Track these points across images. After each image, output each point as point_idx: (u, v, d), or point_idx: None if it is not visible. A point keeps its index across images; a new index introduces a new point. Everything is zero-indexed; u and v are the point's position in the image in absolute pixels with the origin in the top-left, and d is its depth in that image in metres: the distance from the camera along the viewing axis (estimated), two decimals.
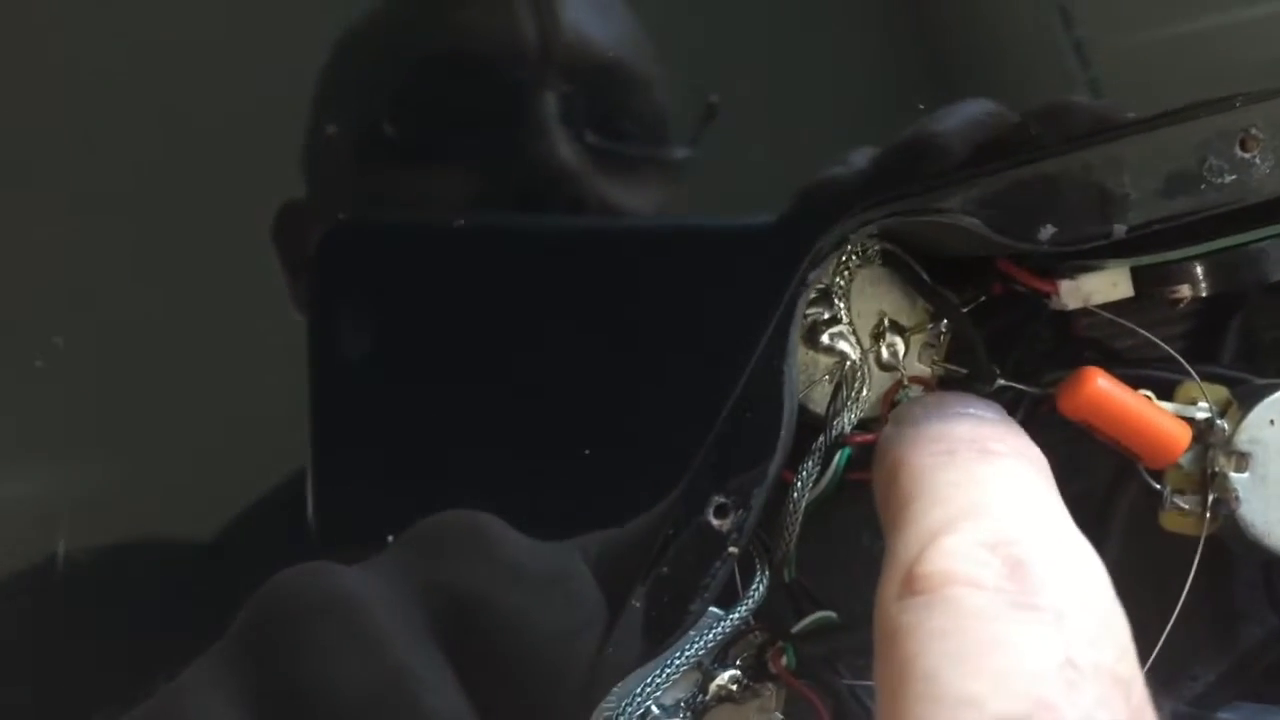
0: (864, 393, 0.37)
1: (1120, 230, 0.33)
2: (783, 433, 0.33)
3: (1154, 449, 0.36)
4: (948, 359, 0.38)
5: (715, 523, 0.33)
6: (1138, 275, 0.36)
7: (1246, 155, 0.32)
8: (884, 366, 0.37)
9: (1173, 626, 0.39)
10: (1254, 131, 0.32)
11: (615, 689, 0.33)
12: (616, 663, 0.32)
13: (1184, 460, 0.38)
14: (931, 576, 0.27)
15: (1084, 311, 0.37)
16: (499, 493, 0.32)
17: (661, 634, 0.32)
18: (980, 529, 0.28)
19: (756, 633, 0.37)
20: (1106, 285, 0.36)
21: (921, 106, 0.32)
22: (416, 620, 0.31)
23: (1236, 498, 0.38)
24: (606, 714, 0.33)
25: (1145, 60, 0.33)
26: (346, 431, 0.32)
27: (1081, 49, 0.33)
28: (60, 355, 0.30)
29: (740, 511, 0.33)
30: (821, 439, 0.36)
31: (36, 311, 0.31)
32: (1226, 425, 0.38)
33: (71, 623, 0.31)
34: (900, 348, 0.37)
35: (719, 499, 0.33)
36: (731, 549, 0.33)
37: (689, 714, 0.36)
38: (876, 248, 0.36)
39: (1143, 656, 0.38)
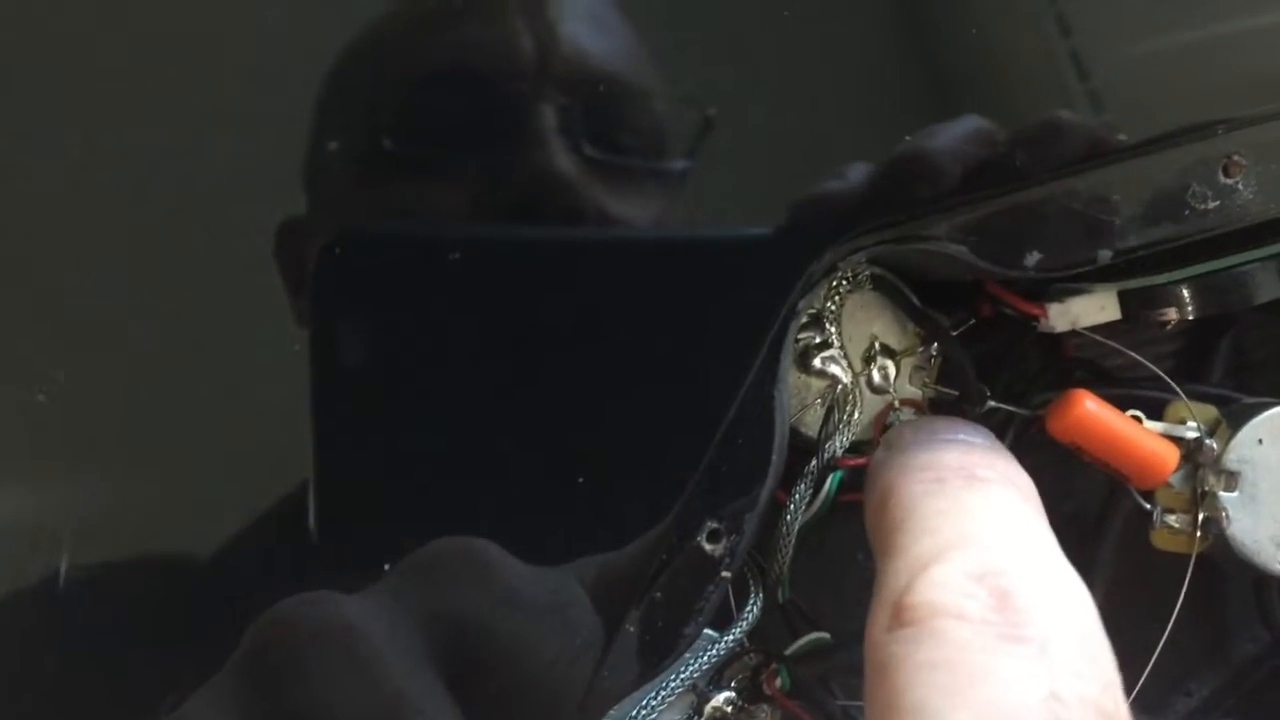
0: (856, 416, 0.37)
1: (1106, 256, 0.33)
2: (774, 458, 0.33)
3: (1142, 470, 0.37)
4: (938, 381, 0.38)
5: (708, 547, 0.33)
6: (1125, 298, 0.36)
7: (1230, 181, 0.33)
8: (875, 389, 0.37)
9: (1167, 643, 0.39)
10: (1237, 158, 0.33)
11: (611, 713, 0.33)
12: (611, 687, 0.32)
13: (1174, 479, 0.38)
14: (919, 608, 0.27)
15: (1073, 332, 0.38)
16: (495, 514, 0.32)
17: (656, 658, 0.33)
18: (967, 559, 0.28)
19: (751, 654, 0.37)
20: (1094, 308, 0.36)
21: (908, 138, 0.32)
22: (417, 648, 0.31)
23: (1226, 516, 0.38)
24: None
25: (1133, 82, 0.34)
26: (348, 448, 0.32)
27: (1079, 59, 0.33)
28: (61, 386, 0.31)
29: (733, 536, 0.33)
30: (814, 462, 0.37)
31: (37, 344, 0.31)
32: (1216, 444, 0.38)
33: (71, 649, 0.32)
34: (891, 371, 0.38)
35: (712, 524, 0.33)
36: (725, 573, 0.33)
37: None
38: (867, 272, 0.37)
39: (1137, 672, 0.39)
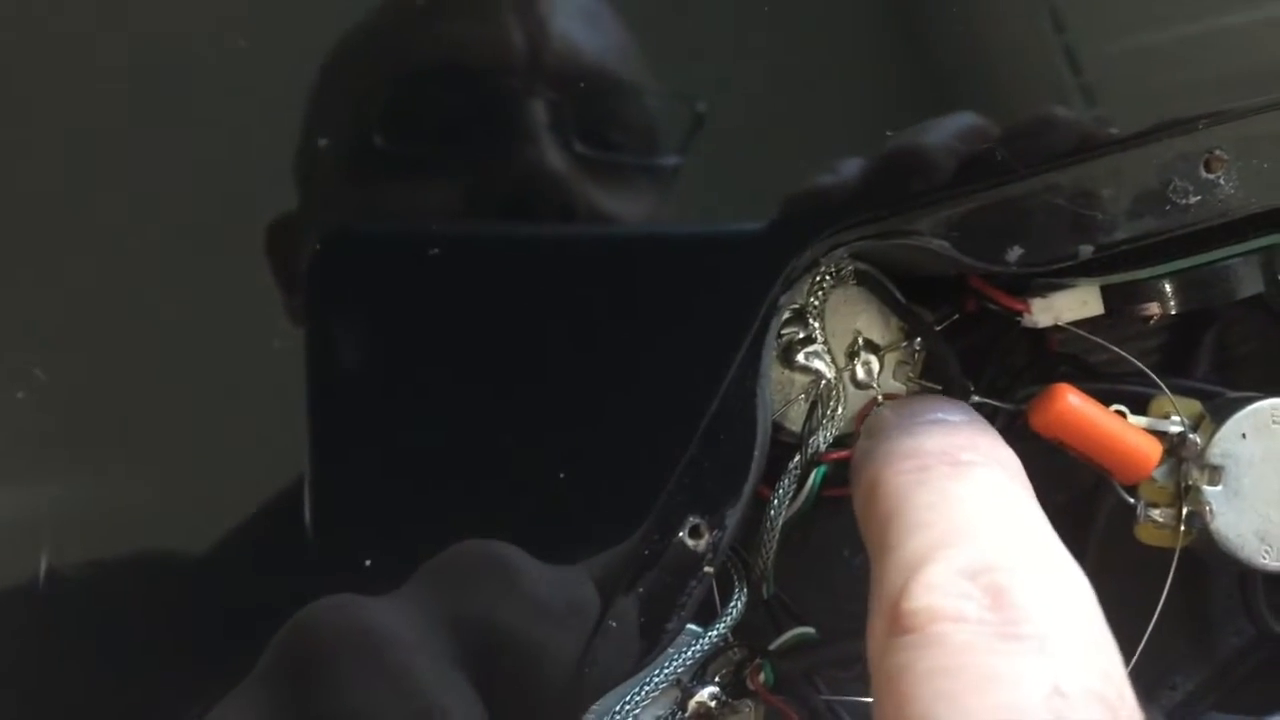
0: (839, 411, 0.37)
1: (1087, 251, 0.33)
2: (756, 453, 0.33)
3: (1125, 465, 0.37)
4: (922, 376, 0.38)
5: (690, 543, 0.33)
6: (1108, 293, 0.36)
7: (1211, 176, 0.33)
8: (859, 385, 0.37)
9: (1152, 637, 0.40)
10: (1218, 153, 0.33)
11: (594, 707, 0.33)
12: (595, 682, 0.32)
13: (1158, 474, 0.38)
14: (917, 614, 0.27)
15: (1058, 327, 0.38)
16: (483, 510, 0.32)
17: (638, 653, 0.33)
18: (959, 557, 0.28)
19: (735, 649, 0.37)
20: (1077, 303, 0.36)
21: (889, 133, 0.32)
22: (445, 653, 0.31)
23: (1210, 511, 0.38)
24: None
25: (1122, 77, 0.34)
26: (343, 444, 0.32)
27: (1071, 54, 0.33)
28: (44, 383, 0.31)
29: (715, 532, 0.33)
30: (798, 457, 0.37)
31: (16, 341, 0.31)
32: (1199, 439, 0.38)
33: (72, 649, 0.32)
34: (875, 366, 0.38)
35: (694, 519, 0.33)
36: (707, 568, 0.33)
37: None
38: (850, 267, 0.37)
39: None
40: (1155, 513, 0.39)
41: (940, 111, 0.33)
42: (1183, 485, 0.39)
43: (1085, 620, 0.28)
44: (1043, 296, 0.37)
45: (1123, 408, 0.38)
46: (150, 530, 0.32)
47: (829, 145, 0.33)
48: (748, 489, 0.33)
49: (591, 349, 0.33)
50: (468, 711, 0.31)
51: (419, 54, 0.32)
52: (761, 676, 0.37)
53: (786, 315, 0.36)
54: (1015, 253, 0.33)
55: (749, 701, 0.37)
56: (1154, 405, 0.39)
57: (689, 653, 0.35)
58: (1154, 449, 0.37)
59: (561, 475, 0.32)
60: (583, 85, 0.32)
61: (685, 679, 0.37)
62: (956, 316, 0.38)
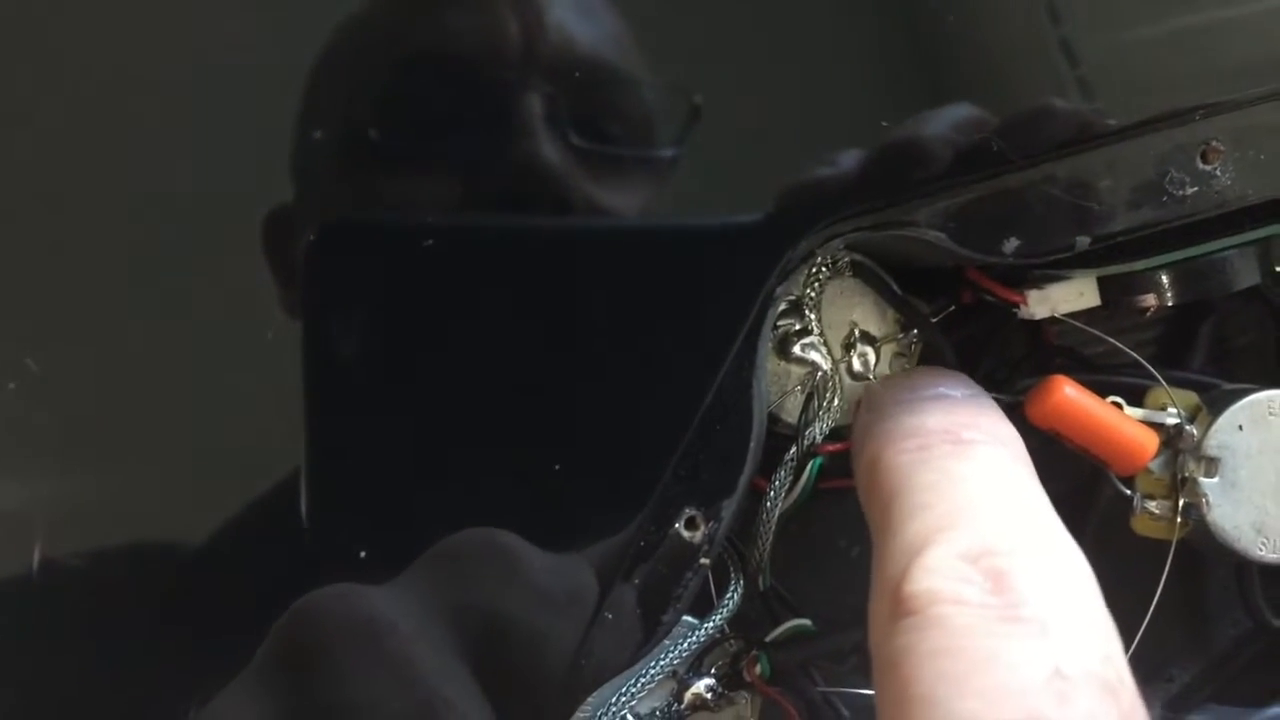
0: (835, 402, 0.37)
1: (1084, 242, 0.33)
2: (752, 444, 0.33)
3: (1121, 457, 0.37)
4: None
5: (686, 534, 0.33)
6: (1104, 285, 0.36)
7: (1207, 168, 0.33)
8: (855, 376, 0.37)
9: (1149, 628, 0.40)
10: (1215, 144, 0.33)
11: (590, 699, 0.33)
12: (590, 674, 0.32)
13: (1154, 465, 0.38)
14: (918, 596, 0.27)
15: (1055, 319, 0.38)
16: (480, 501, 0.32)
17: (635, 645, 0.33)
18: (961, 539, 0.28)
19: (731, 641, 0.37)
20: (1073, 294, 0.36)
21: (885, 124, 0.32)
22: (446, 642, 0.31)
23: (1207, 502, 0.38)
24: None
25: (1119, 69, 0.34)
26: (340, 435, 0.32)
27: (1069, 47, 0.33)
28: (35, 374, 0.31)
29: (711, 523, 0.33)
30: (794, 449, 0.37)
31: (7, 332, 0.31)
32: (1196, 430, 0.38)
33: (69, 641, 0.32)
34: (871, 357, 0.38)
35: (690, 511, 0.33)
36: (703, 560, 0.33)
37: None
38: (846, 259, 0.37)
39: None
40: (1152, 504, 0.39)
41: (937, 103, 0.33)
42: (1179, 477, 0.39)
43: (1086, 603, 0.28)
44: (1039, 288, 0.37)
45: (1119, 399, 0.37)
46: (145, 522, 0.32)
47: (825, 136, 0.33)
48: (743, 481, 0.33)
49: (587, 340, 0.33)
50: (469, 701, 0.31)
51: (414, 46, 0.32)
52: (758, 668, 0.37)
53: (783, 307, 0.36)
54: (1012, 244, 0.33)
55: (745, 693, 0.37)
56: (1150, 397, 0.39)
57: (685, 644, 0.35)
58: (1150, 440, 0.37)
59: (557, 466, 0.32)
60: (578, 77, 0.32)
61: (681, 671, 0.37)
62: (953, 308, 0.38)
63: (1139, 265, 0.35)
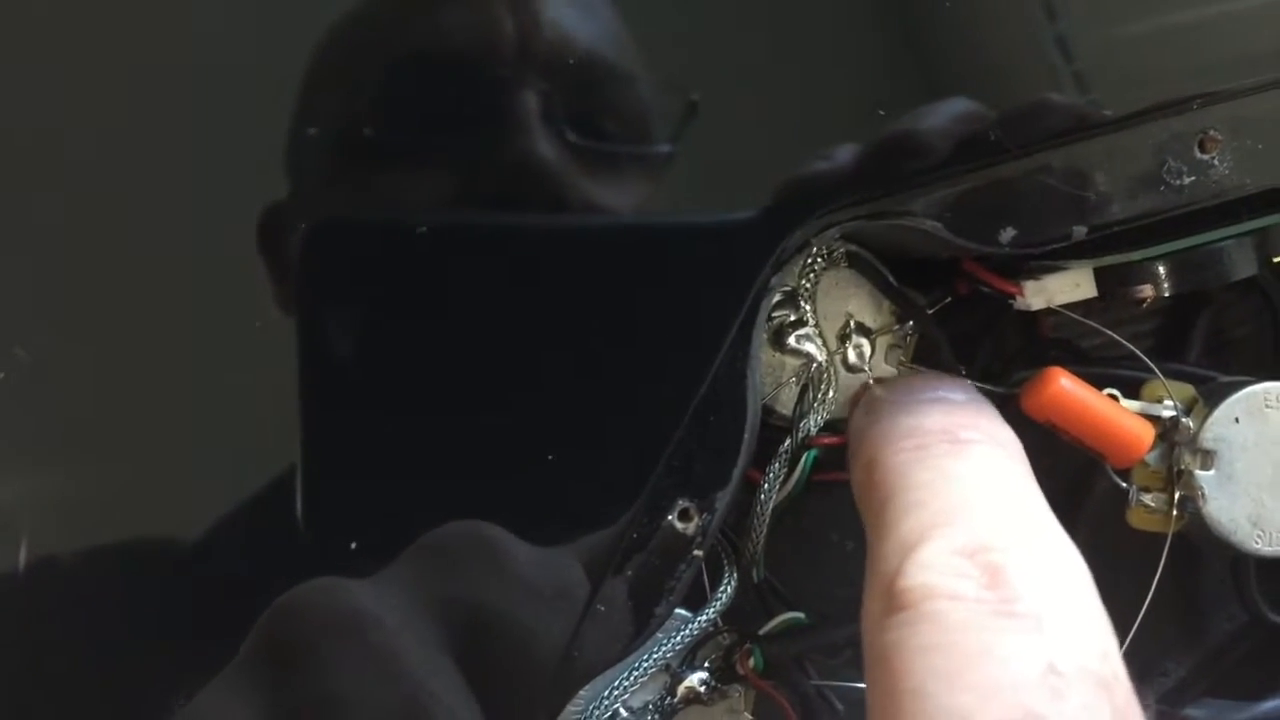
0: (830, 394, 0.37)
1: (1080, 232, 0.33)
2: (746, 436, 0.33)
3: (1117, 449, 0.36)
4: (914, 359, 0.38)
5: (680, 526, 0.33)
6: (1101, 276, 0.36)
7: (1205, 157, 0.32)
8: (850, 368, 0.37)
9: (1144, 622, 0.39)
10: (1213, 133, 0.32)
11: (583, 692, 0.33)
12: (582, 667, 0.32)
13: (1150, 458, 0.38)
14: (912, 591, 0.27)
15: (1051, 311, 0.38)
16: (473, 492, 0.32)
17: (627, 638, 0.33)
18: (956, 535, 0.28)
19: (725, 634, 0.37)
20: (1070, 285, 0.36)
21: (882, 113, 0.32)
22: (432, 637, 0.31)
23: (1202, 495, 0.38)
24: (574, 718, 0.33)
25: (1116, 61, 0.34)
26: (333, 428, 0.32)
27: (1065, 43, 0.33)
28: (27, 363, 0.30)
29: (705, 515, 0.33)
30: (789, 441, 0.37)
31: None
32: (1192, 423, 0.38)
33: (54, 636, 0.31)
34: (866, 349, 0.37)
35: (683, 503, 0.33)
36: (696, 552, 0.33)
37: (657, 716, 0.36)
38: (842, 250, 0.37)
39: None
40: (1147, 497, 0.39)
41: (934, 96, 0.32)
42: (1175, 469, 0.38)
43: (1081, 599, 0.28)
44: (1035, 279, 0.36)
45: (1115, 391, 0.37)
46: (133, 515, 0.32)
47: (821, 127, 0.33)
48: (737, 473, 0.33)
49: (581, 333, 0.32)
50: (455, 695, 0.31)
51: (408, 43, 0.32)
52: (751, 661, 0.36)
53: (778, 298, 0.36)
54: (1008, 234, 0.33)
55: (738, 686, 0.37)
56: (1147, 389, 0.38)
57: (678, 637, 0.35)
58: (1146, 433, 0.37)
59: (550, 457, 0.32)
60: (574, 74, 0.32)
61: (674, 664, 0.37)
62: (949, 299, 0.38)
63: (1136, 256, 0.35)
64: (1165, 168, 0.33)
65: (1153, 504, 0.39)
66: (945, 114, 0.32)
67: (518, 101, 0.31)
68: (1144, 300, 0.36)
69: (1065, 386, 0.36)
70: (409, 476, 0.32)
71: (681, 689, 0.36)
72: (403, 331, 0.32)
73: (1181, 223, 0.34)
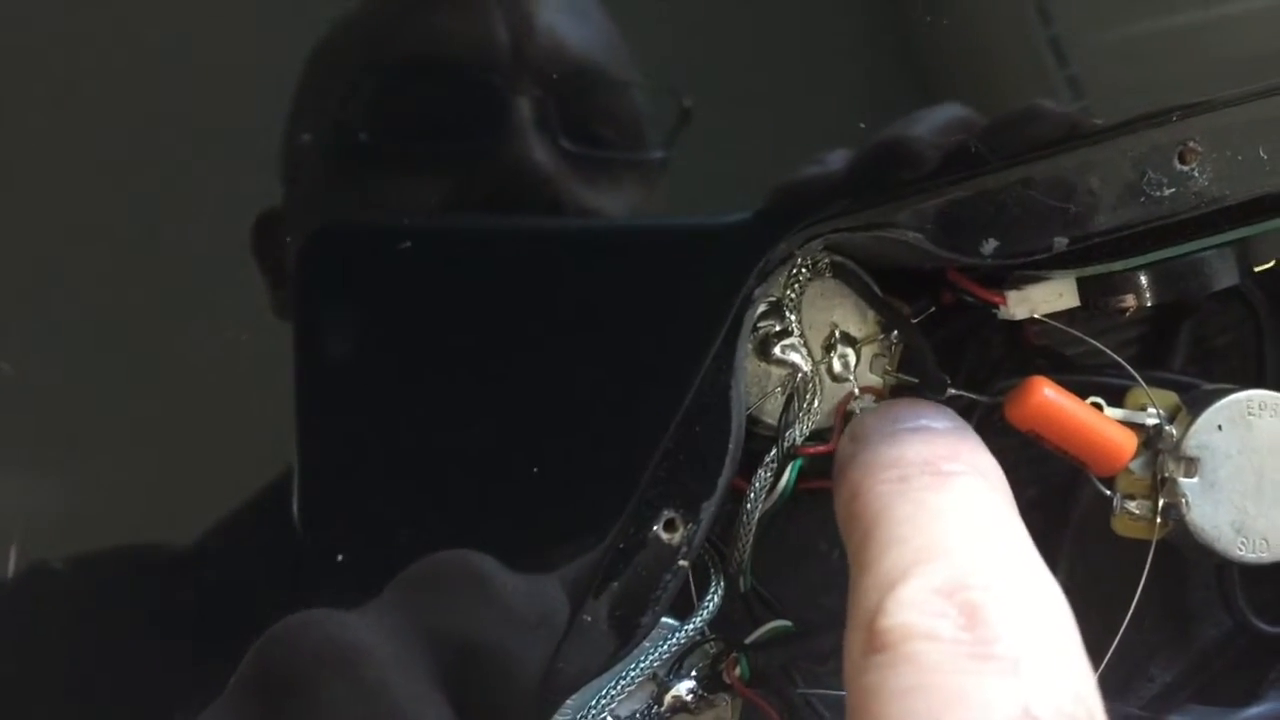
0: (816, 404, 0.37)
1: (1062, 243, 0.33)
2: (731, 446, 0.33)
3: (1100, 458, 0.37)
4: (899, 369, 0.38)
5: (665, 536, 0.33)
6: (1084, 285, 0.36)
7: (1185, 168, 0.33)
8: (836, 377, 0.37)
9: (1130, 629, 0.40)
10: (1192, 144, 0.33)
11: (570, 702, 0.33)
12: (568, 677, 0.32)
13: (1134, 466, 0.38)
14: (891, 631, 0.27)
15: (1035, 320, 0.38)
16: (458, 504, 0.32)
17: (612, 648, 0.33)
18: (936, 573, 0.28)
19: (712, 643, 0.37)
20: (1052, 295, 0.36)
21: (862, 125, 0.32)
22: (420, 668, 0.31)
23: (1186, 503, 0.38)
24: None
25: (1105, 69, 0.34)
26: (324, 439, 0.32)
27: (1059, 47, 0.33)
28: (10, 377, 0.30)
29: (690, 525, 0.33)
30: (774, 451, 0.37)
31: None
32: (1175, 431, 0.38)
33: (41, 655, 0.31)
34: (851, 359, 0.37)
35: (668, 513, 0.33)
36: (682, 562, 0.33)
37: None
38: (826, 260, 0.37)
39: (1099, 659, 0.39)
40: (1132, 505, 0.39)
41: (926, 102, 0.33)
42: (1159, 477, 0.39)
43: (1059, 640, 0.27)
44: (1018, 289, 0.37)
45: (1099, 400, 0.37)
46: (121, 527, 0.32)
47: (808, 137, 0.33)
48: (722, 482, 0.33)
49: (566, 342, 0.33)
50: None
51: (403, 49, 0.32)
52: (738, 670, 0.36)
53: (763, 308, 0.36)
54: (990, 245, 0.33)
55: (725, 695, 0.37)
56: (1130, 397, 0.39)
57: (665, 647, 0.35)
58: (1130, 441, 0.37)
59: (535, 469, 0.32)
60: (569, 80, 0.32)
61: (661, 673, 0.37)
62: (933, 309, 0.38)
63: (1117, 266, 0.35)
64: (1145, 179, 0.33)
65: (1137, 511, 0.39)
66: (937, 121, 0.32)
67: (512, 108, 0.31)
68: (1126, 310, 0.36)
69: (1048, 396, 0.36)
70: (395, 486, 0.32)
71: (669, 698, 0.36)
72: (394, 339, 0.32)
73: (1164, 233, 0.34)
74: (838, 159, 0.32)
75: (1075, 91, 0.33)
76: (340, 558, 0.31)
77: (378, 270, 0.32)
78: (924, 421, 0.34)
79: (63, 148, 0.31)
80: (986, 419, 0.38)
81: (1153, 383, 0.39)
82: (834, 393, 0.37)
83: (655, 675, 0.36)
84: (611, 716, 0.35)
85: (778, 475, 0.37)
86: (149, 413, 0.32)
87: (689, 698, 0.37)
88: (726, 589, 0.37)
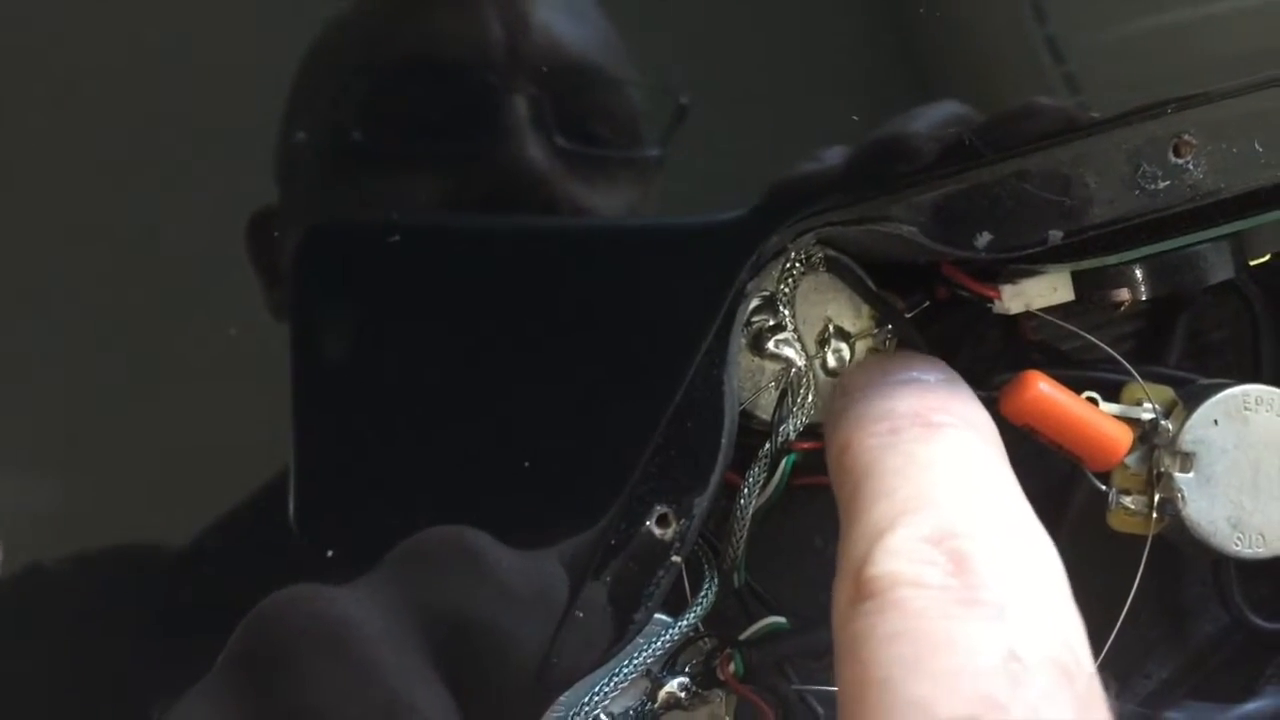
0: (810, 399, 0.37)
1: (1056, 237, 0.33)
2: (724, 441, 0.33)
3: (1096, 452, 0.36)
4: None
5: (657, 532, 0.33)
6: (1079, 279, 0.36)
7: (1180, 161, 0.32)
8: (830, 372, 0.37)
9: (1126, 624, 0.39)
10: (1187, 137, 0.32)
11: (563, 699, 0.33)
12: (561, 673, 0.32)
13: (1130, 461, 0.38)
14: (879, 579, 0.27)
15: (1031, 314, 0.38)
16: (451, 497, 0.32)
17: (606, 644, 0.32)
18: (924, 522, 0.28)
19: (706, 639, 0.37)
20: (1047, 289, 0.36)
21: (855, 118, 0.32)
22: (412, 644, 0.31)
23: (1182, 498, 0.38)
24: None
25: (1100, 65, 0.34)
26: (319, 433, 0.32)
27: (1055, 44, 0.33)
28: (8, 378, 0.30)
29: (683, 521, 0.33)
30: (768, 445, 0.37)
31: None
32: (1171, 426, 0.38)
33: (32, 644, 0.31)
34: (846, 353, 0.37)
35: (661, 508, 0.33)
36: (674, 558, 0.33)
37: None
38: (820, 254, 0.37)
39: (1095, 654, 0.39)
40: (1127, 500, 0.39)
41: (924, 99, 0.32)
42: (1155, 472, 0.38)
43: (1047, 587, 0.27)
44: (1013, 283, 0.36)
45: (1094, 394, 0.37)
46: (111, 523, 0.32)
47: (803, 132, 0.33)
48: (715, 477, 0.33)
49: (558, 337, 0.32)
50: (434, 703, 0.31)
51: (397, 47, 0.32)
52: (732, 666, 0.36)
53: (757, 302, 0.36)
54: (984, 239, 0.33)
55: (719, 692, 0.37)
56: (1126, 392, 0.38)
57: (659, 643, 0.35)
58: (1125, 436, 0.37)
59: (527, 463, 0.32)
60: (564, 78, 0.32)
61: (655, 669, 0.37)
62: (928, 304, 0.38)
63: (1112, 259, 0.35)
64: (1140, 172, 0.33)
65: (1133, 506, 0.39)
66: (934, 118, 0.32)
67: (507, 106, 0.31)
68: (1122, 304, 0.36)
69: (1043, 390, 0.36)
70: (393, 480, 0.32)
71: (662, 694, 0.36)
72: (388, 335, 0.32)
73: (1159, 226, 0.34)
74: (833, 154, 0.32)
75: (1071, 87, 0.33)
76: (332, 554, 0.31)
77: (373, 269, 0.32)
78: (915, 374, 0.34)
79: (55, 147, 0.31)
80: None
81: (1148, 377, 0.38)
82: (828, 388, 0.37)
83: (649, 672, 0.36)
84: (605, 713, 0.35)
85: (771, 471, 0.37)
86: (143, 412, 0.31)
87: (683, 694, 0.37)
88: (720, 585, 0.37)
